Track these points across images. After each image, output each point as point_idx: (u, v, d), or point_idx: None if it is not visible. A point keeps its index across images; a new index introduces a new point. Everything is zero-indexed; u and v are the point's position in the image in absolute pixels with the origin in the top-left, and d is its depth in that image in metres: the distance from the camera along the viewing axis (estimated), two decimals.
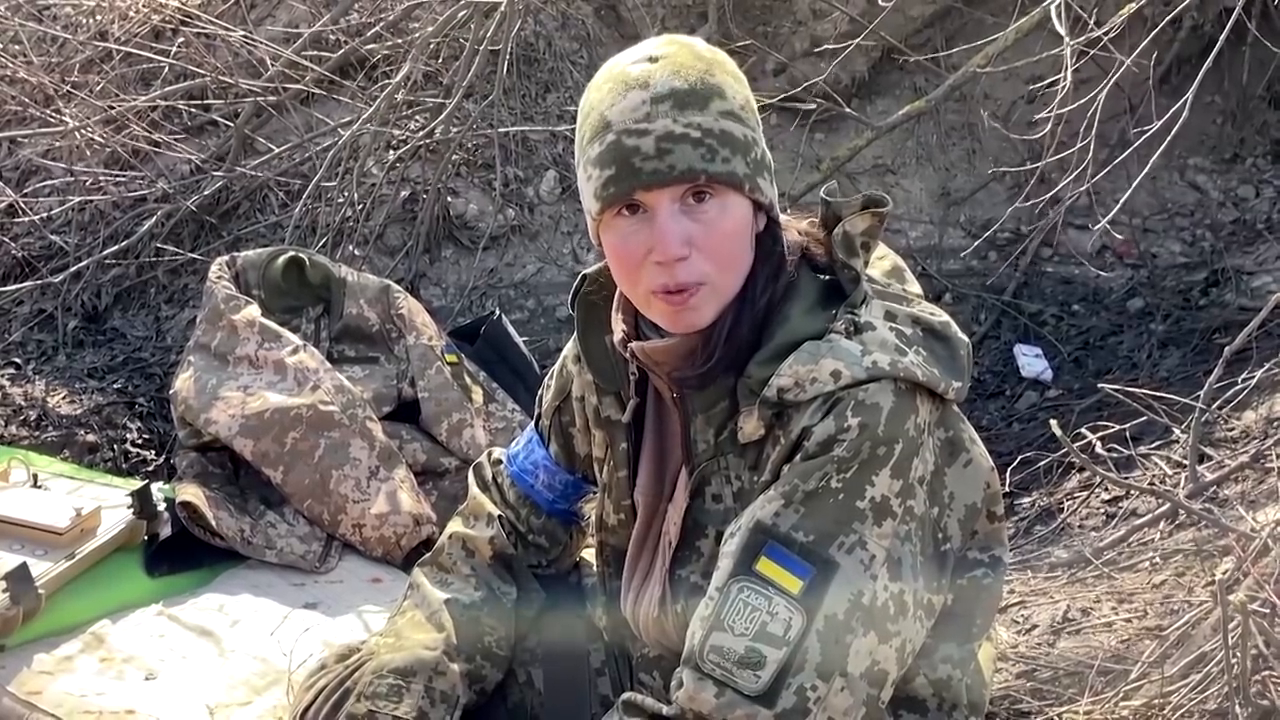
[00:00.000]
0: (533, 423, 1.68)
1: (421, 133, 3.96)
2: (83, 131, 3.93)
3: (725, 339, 1.30)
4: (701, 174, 1.23)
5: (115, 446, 3.04)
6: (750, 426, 1.29)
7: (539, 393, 1.67)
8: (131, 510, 2.34)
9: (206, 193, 3.91)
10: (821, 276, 1.35)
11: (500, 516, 1.64)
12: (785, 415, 1.26)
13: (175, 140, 4.04)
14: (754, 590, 1.21)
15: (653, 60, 1.27)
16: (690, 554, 1.39)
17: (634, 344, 1.37)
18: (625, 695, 1.28)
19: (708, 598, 1.25)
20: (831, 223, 1.35)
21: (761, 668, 1.19)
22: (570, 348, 1.58)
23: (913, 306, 1.34)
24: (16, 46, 4.27)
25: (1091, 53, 3.21)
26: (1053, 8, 3.19)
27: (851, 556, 1.21)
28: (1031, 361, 3.59)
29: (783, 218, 1.38)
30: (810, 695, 1.19)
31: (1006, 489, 2.83)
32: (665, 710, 1.23)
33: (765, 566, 1.21)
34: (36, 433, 3.03)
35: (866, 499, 1.22)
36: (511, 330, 3.19)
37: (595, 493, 1.59)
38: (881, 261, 1.42)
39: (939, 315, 1.34)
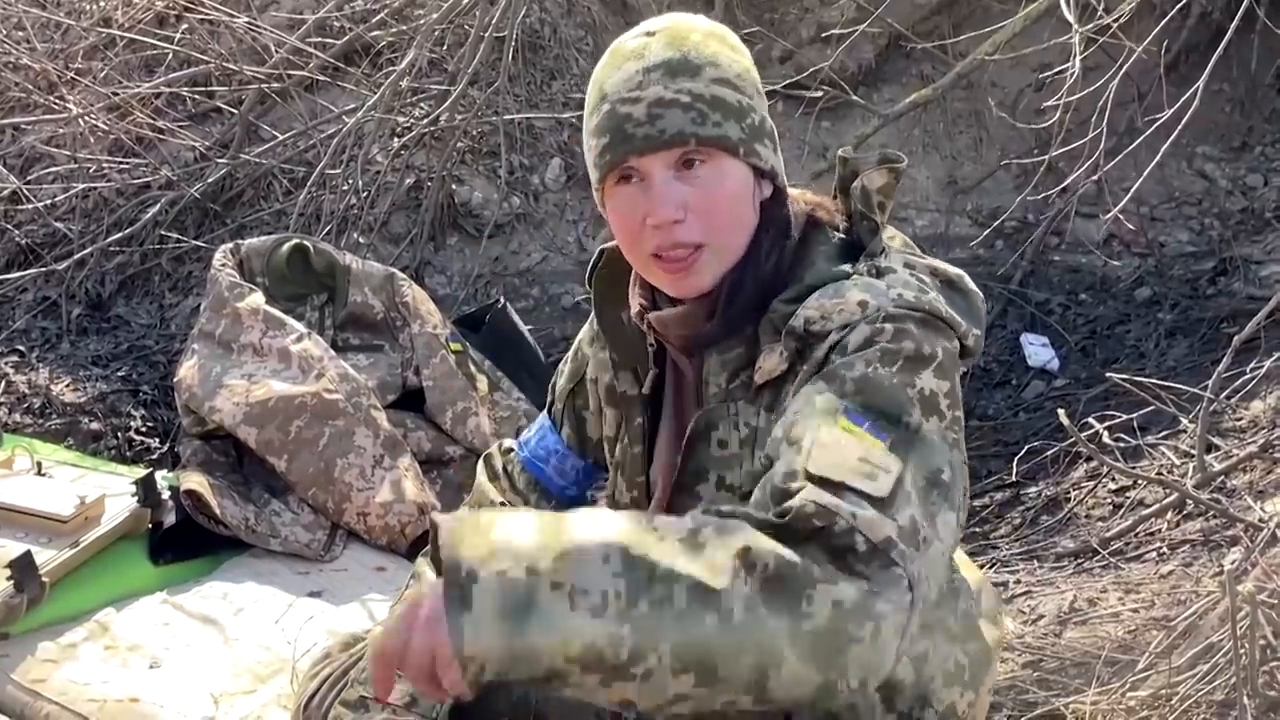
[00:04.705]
0: (545, 409, 1.68)
1: (426, 120, 3.95)
2: (86, 118, 3.92)
3: (731, 300, 1.31)
4: (691, 137, 1.25)
5: (119, 434, 3.04)
6: (771, 363, 1.28)
7: (553, 379, 1.67)
8: (136, 498, 2.34)
9: (210, 180, 3.91)
10: (840, 236, 1.36)
11: (503, 504, 1.63)
12: (809, 348, 1.25)
13: (179, 127, 4.04)
14: (844, 431, 1.12)
15: (650, 34, 1.30)
16: (689, 499, 1.38)
17: (651, 314, 1.38)
18: (716, 507, 1.15)
19: (785, 445, 1.14)
20: (849, 181, 1.36)
21: (877, 478, 1.08)
22: (585, 331, 1.59)
23: (929, 260, 1.35)
24: (20, 33, 4.26)
25: (1100, 40, 3.19)
26: None
27: (919, 434, 1.15)
28: (1038, 350, 3.58)
29: (794, 190, 1.39)
30: (921, 527, 1.07)
31: (1013, 479, 2.83)
32: (774, 519, 1.06)
33: (846, 426, 1.13)
34: (40, 420, 3.03)
35: (916, 389, 1.16)
36: (517, 319, 3.19)
37: (606, 480, 1.59)
38: (892, 241, 1.42)
39: (955, 269, 1.35)
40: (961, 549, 1.36)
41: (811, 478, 1.08)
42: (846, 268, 1.28)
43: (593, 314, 1.53)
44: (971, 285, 1.34)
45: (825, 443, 1.10)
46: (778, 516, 1.06)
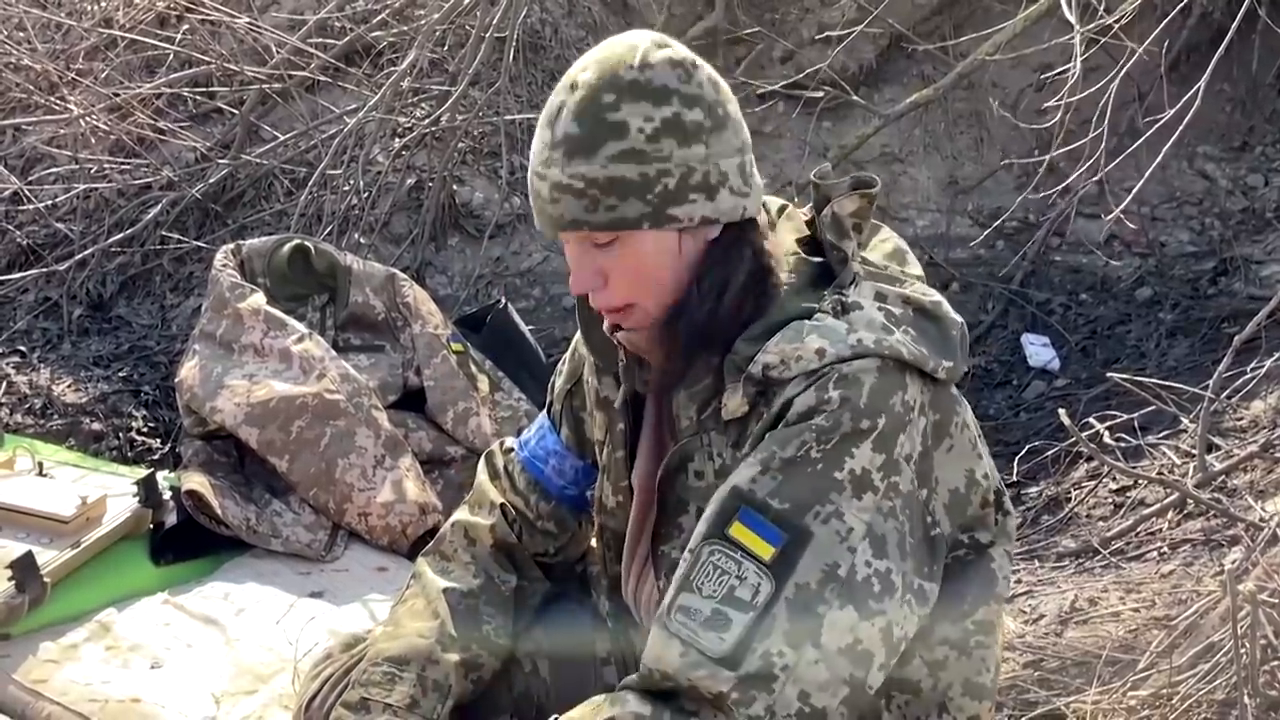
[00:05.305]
0: (544, 409, 1.68)
1: (427, 120, 3.95)
2: (87, 119, 3.92)
3: (675, 343, 1.32)
4: (584, 225, 1.27)
5: (120, 435, 3.04)
6: (734, 403, 1.29)
7: (551, 379, 1.67)
8: (137, 499, 2.34)
9: (212, 181, 3.91)
10: (815, 260, 1.34)
11: (503, 504, 1.63)
12: (769, 392, 1.26)
13: (180, 128, 4.04)
14: (724, 554, 1.21)
15: (574, 88, 1.28)
16: (672, 530, 1.39)
17: (618, 334, 1.39)
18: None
19: (682, 559, 1.26)
20: (823, 205, 1.35)
21: (726, 630, 1.18)
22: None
23: (905, 287, 1.33)
24: (21, 33, 4.26)
25: (1102, 41, 3.19)
26: None
27: (827, 527, 1.20)
28: (1039, 351, 3.58)
29: (773, 200, 1.39)
30: (777, 662, 1.17)
31: (1014, 478, 2.82)
32: (638, 683, 1.24)
33: (738, 531, 1.21)
34: (42, 421, 3.04)
35: (845, 470, 1.21)
36: (517, 319, 3.19)
37: None
38: (884, 244, 1.41)
39: (931, 295, 1.34)
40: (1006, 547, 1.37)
41: (668, 630, 1.22)
42: (812, 304, 1.28)
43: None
44: (948, 312, 1.33)
45: (693, 585, 1.22)
46: (642, 674, 1.24)
